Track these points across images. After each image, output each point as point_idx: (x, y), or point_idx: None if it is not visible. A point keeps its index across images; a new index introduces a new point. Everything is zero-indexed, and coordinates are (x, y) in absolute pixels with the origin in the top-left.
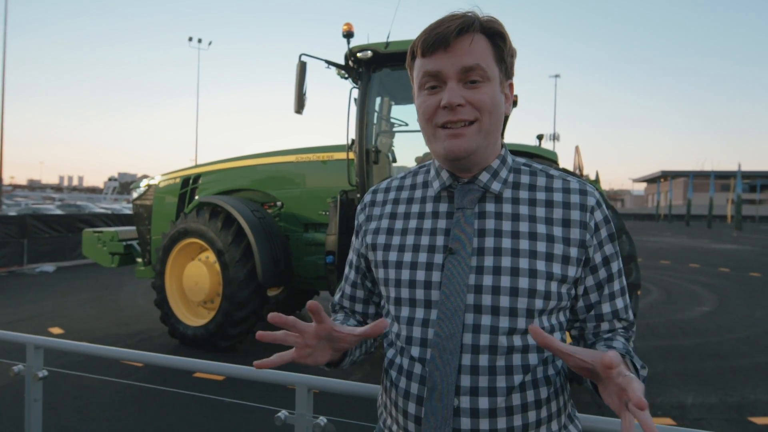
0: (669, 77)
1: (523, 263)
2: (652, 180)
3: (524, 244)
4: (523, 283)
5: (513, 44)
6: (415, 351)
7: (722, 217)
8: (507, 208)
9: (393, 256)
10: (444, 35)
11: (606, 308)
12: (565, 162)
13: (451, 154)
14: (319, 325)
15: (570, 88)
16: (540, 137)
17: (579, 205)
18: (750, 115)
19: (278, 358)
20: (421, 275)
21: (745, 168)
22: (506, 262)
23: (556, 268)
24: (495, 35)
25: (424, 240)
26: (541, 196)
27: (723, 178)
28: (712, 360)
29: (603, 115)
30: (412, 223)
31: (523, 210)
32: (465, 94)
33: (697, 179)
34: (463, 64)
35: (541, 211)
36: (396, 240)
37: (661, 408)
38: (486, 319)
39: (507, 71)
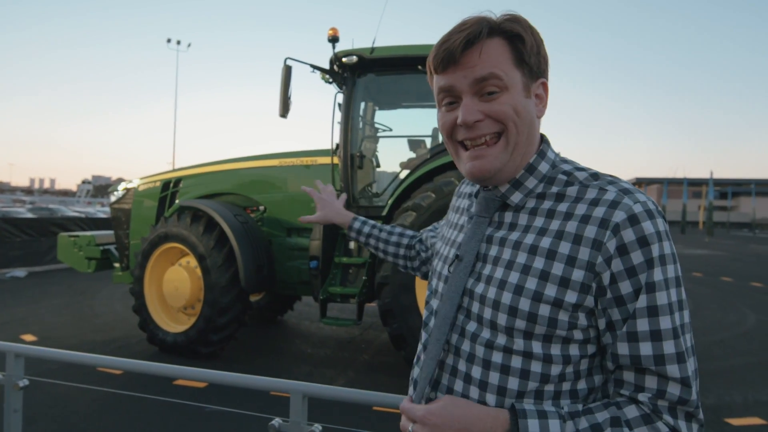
0: (643, 85)
1: (513, 278)
2: None
3: (521, 258)
4: (506, 298)
5: (539, 38)
6: (419, 348)
7: (695, 223)
8: (523, 219)
9: (433, 263)
10: (451, 51)
11: (622, 350)
12: None
13: (473, 177)
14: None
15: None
16: None
17: (600, 220)
18: (722, 124)
19: (309, 218)
20: (434, 284)
21: (717, 176)
22: (499, 273)
23: (549, 290)
24: (512, 37)
25: (445, 250)
26: (562, 207)
27: (696, 185)
28: None
29: (578, 122)
30: (449, 233)
31: (537, 222)
32: (482, 108)
33: (671, 186)
34: (475, 76)
35: (555, 224)
36: (438, 247)
37: None
38: (471, 326)
39: (532, 71)
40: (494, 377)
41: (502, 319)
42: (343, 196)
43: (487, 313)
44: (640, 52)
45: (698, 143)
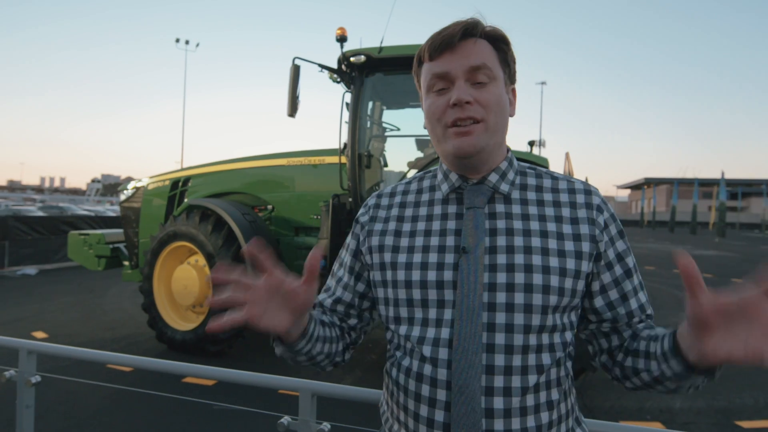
0: (652, 85)
1: (537, 260)
2: (636, 187)
3: (536, 242)
4: (537, 279)
5: (514, 53)
6: (427, 350)
7: (705, 224)
8: (516, 208)
9: (402, 257)
10: (450, 37)
11: (633, 303)
12: (555, 168)
13: (461, 151)
14: (267, 276)
15: (556, 96)
16: (531, 144)
17: (585, 204)
18: (732, 123)
19: (229, 321)
20: (432, 275)
21: (727, 176)
22: (519, 259)
23: (570, 264)
24: (498, 40)
25: (434, 241)
26: (548, 197)
27: (706, 185)
28: None
29: (588, 122)
30: (421, 225)
31: (532, 210)
32: (472, 93)
33: (681, 186)
34: (470, 64)
35: (549, 211)
36: (404, 242)
37: (650, 412)
38: (501, 317)
39: (511, 76)
40: (532, 359)
41: (537, 299)
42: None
43: (519, 298)
44: (649, 52)
45: (708, 143)
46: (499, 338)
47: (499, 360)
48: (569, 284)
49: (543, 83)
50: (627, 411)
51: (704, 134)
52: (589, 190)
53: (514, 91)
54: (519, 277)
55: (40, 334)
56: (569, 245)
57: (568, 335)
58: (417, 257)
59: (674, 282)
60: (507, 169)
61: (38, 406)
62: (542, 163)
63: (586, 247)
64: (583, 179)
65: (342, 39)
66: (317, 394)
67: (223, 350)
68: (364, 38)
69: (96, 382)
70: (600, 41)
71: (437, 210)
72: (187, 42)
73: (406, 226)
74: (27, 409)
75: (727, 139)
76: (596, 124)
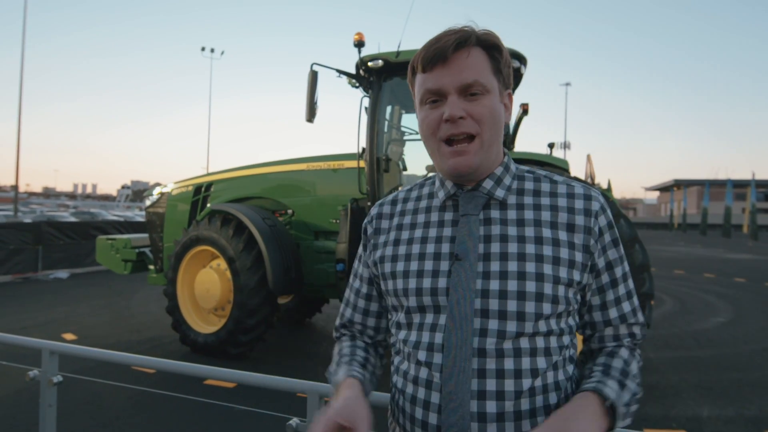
0: (680, 85)
1: (530, 267)
2: (664, 189)
3: (530, 248)
4: (530, 287)
5: (509, 57)
6: (422, 355)
7: (738, 226)
8: (512, 214)
9: (400, 266)
10: (442, 50)
11: (613, 313)
12: (577, 171)
13: (456, 171)
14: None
15: (581, 97)
16: (551, 146)
17: (583, 210)
18: (764, 123)
19: None
20: (427, 282)
21: (760, 176)
22: (513, 266)
23: (563, 272)
24: (491, 48)
25: (430, 248)
26: (545, 201)
27: (739, 186)
28: (729, 372)
29: (614, 123)
30: (418, 233)
31: (528, 215)
32: (465, 106)
33: (713, 188)
34: (462, 81)
35: (546, 216)
36: (402, 250)
37: (676, 420)
38: (493, 324)
39: (505, 82)
40: (525, 362)
41: (530, 307)
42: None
43: (512, 305)
44: (675, 51)
45: (739, 143)
46: (491, 343)
47: (491, 364)
48: (562, 292)
49: (567, 84)
50: (651, 418)
51: (738, 134)
52: (589, 195)
53: (510, 95)
54: (512, 285)
55: (69, 336)
56: (564, 252)
57: (566, 339)
58: (413, 265)
59: (703, 287)
60: (503, 174)
61: (64, 407)
62: (562, 165)
63: (579, 257)
64: (606, 181)
65: (360, 44)
66: (325, 396)
67: (244, 353)
68: (382, 43)
69: (121, 383)
70: (626, 41)
71: (434, 217)
72: (212, 50)
73: (405, 234)
74: (49, 408)
75: (759, 138)
76: (622, 125)
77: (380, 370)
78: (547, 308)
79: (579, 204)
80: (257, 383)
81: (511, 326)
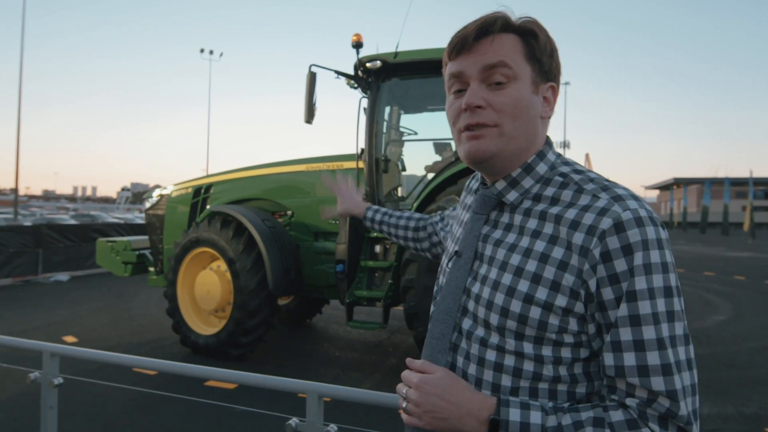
0: (679, 83)
1: (506, 279)
2: (664, 187)
3: (515, 260)
4: (499, 299)
5: (554, 44)
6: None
7: (738, 224)
8: (518, 219)
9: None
10: (464, 36)
11: (608, 360)
12: None
13: (470, 156)
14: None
15: (580, 96)
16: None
17: (588, 227)
18: (763, 121)
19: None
20: (440, 278)
21: (758, 174)
22: (493, 274)
23: (541, 293)
24: (526, 33)
25: (451, 246)
26: (554, 210)
27: (738, 185)
28: (728, 370)
29: (614, 122)
30: (456, 229)
31: (531, 224)
32: (487, 96)
33: (713, 186)
34: (485, 62)
35: (548, 228)
36: (446, 243)
37: None
38: (467, 323)
39: (542, 70)
40: (488, 374)
41: (494, 319)
42: (362, 187)
43: (481, 312)
44: (674, 50)
45: (737, 142)
46: (463, 342)
47: (472, 369)
48: (535, 314)
49: (567, 83)
50: None
51: (737, 132)
52: (605, 209)
53: (553, 89)
54: (485, 292)
55: (70, 338)
56: (549, 271)
57: (548, 369)
58: (444, 260)
59: (704, 285)
60: (520, 176)
61: (66, 408)
62: None
63: (568, 280)
64: None
65: (358, 45)
66: (324, 396)
67: (245, 354)
68: (380, 44)
69: (121, 385)
70: (625, 40)
71: (466, 215)
72: (211, 52)
73: (455, 228)
74: (50, 410)
75: (757, 136)
76: (622, 123)
77: (411, 235)
78: (511, 325)
79: (587, 219)
80: (257, 384)
81: (480, 331)
